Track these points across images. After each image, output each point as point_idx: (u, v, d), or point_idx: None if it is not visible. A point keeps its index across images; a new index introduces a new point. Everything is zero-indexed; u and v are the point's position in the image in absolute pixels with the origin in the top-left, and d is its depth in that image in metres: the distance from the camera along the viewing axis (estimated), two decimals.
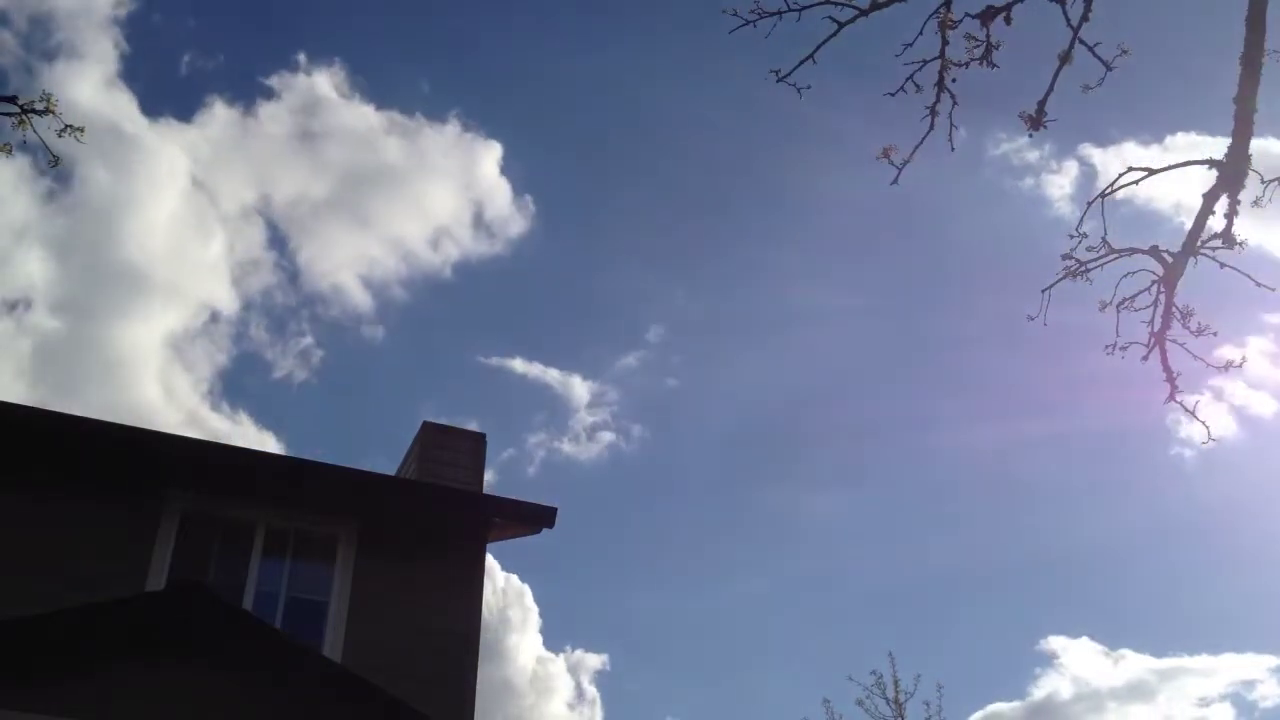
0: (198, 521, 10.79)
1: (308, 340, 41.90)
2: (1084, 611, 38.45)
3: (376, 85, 41.71)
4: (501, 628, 32.73)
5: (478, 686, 11.08)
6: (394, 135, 40.88)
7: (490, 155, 41.74)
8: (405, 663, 10.55)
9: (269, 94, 39.21)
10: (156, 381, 39.25)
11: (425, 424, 13.05)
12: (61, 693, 8.03)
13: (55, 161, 6.73)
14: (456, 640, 11.12)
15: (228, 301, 39.94)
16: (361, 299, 40.76)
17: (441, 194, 42.34)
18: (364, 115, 39.96)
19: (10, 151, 6.57)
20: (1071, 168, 36.51)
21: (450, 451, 12.71)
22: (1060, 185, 37.02)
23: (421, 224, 43.44)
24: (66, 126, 6.46)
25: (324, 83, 39.01)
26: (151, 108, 42.23)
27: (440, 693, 10.54)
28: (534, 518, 11.99)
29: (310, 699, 8.74)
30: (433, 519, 11.81)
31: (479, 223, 41.67)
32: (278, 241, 42.86)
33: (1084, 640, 35.83)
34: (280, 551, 11.07)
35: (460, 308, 42.89)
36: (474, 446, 12.92)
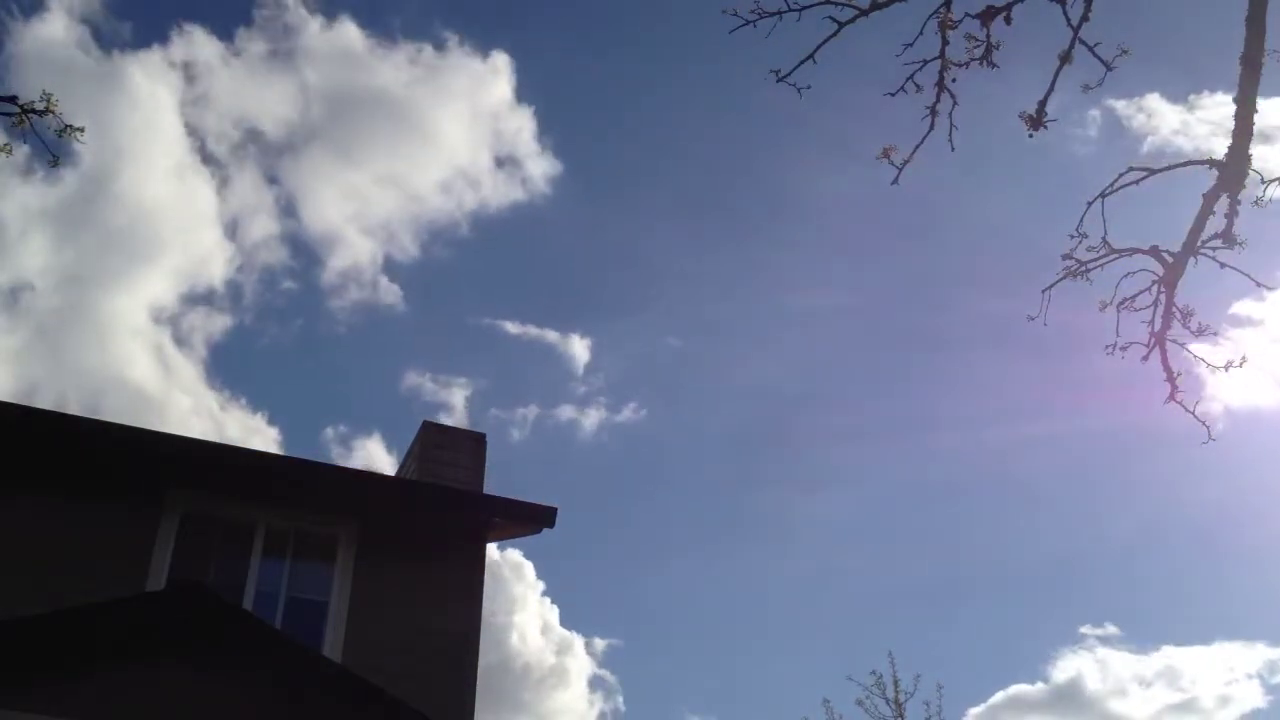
0: (198, 521, 10.79)
1: (304, 301, 40.75)
2: (1102, 607, 38.48)
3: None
4: (505, 606, 32.68)
5: (478, 684, 11.09)
6: (388, 57, 38.66)
7: (500, 82, 40.05)
8: (405, 663, 10.55)
9: (248, 20, 37.28)
10: (155, 355, 38.73)
11: (425, 424, 13.07)
12: (61, 693, 8.03)
13: (55, 161, 6.73)
14: (456, 640, 11.12)
15: (223, 263, 38.28)
16: (362, 250, 39.38)
17: (449, 125, 40.19)
18: (350, 36, 38.04)
19: (10, 152, 6.58)
20: (1096, 118, 35.79)
21: (450, 451, 12.71)
22: (1084, 138, 36.33)
23: (428, 162, 41.48)
24: (66, 126, 6.47)
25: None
26: (126, 41, 40.60)
27: (440, 693, 10.54)
28: (534, 518, 11.99)
29: (310, 699, 8.74)
30: (433, 519, 11.81)
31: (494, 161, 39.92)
32: (272, 188, 40.83)
33: (1108, 627, 35.93)
34: (280, 551, 11.07)
35: (465, 260, 41.52)
36: (474, 446, 12.93)
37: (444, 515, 11.90)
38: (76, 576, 9.69)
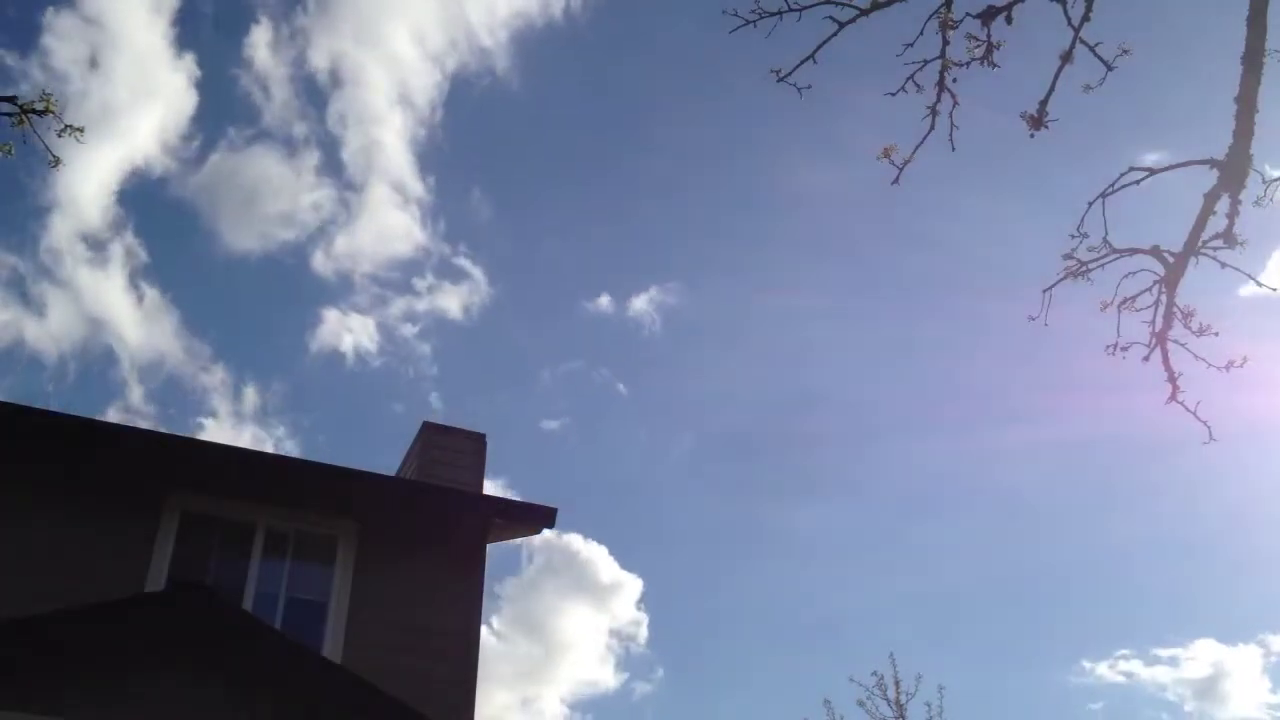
0: (198, 521, 10.79)
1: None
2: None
3: None
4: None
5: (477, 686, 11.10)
6: None
7: None
8: (405, 663, 10.55)
9: None
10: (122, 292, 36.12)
11: (425, 424, 13.08)
12: (61, 693, 8.03)
13: (55, 161, 6.72)
14: (456, 640, 11.12)
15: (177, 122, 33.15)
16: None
17: None
18: None
19: (10, 151, 6.58)
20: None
21: (450, 451, 12.73)
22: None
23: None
24: (66, 126, 6.47)
25: None
26: None
27: (440, 693, 10.54)
28: (534, 518, 12.01)
29: (310, 700, 8.74)
30: (433, 519, 11.82)
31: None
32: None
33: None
34: (280, 552, 11.07)
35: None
36: (474, 446, 12.95)
37: (444, 515, 11.90)
38: (76, 576, 9.69)
